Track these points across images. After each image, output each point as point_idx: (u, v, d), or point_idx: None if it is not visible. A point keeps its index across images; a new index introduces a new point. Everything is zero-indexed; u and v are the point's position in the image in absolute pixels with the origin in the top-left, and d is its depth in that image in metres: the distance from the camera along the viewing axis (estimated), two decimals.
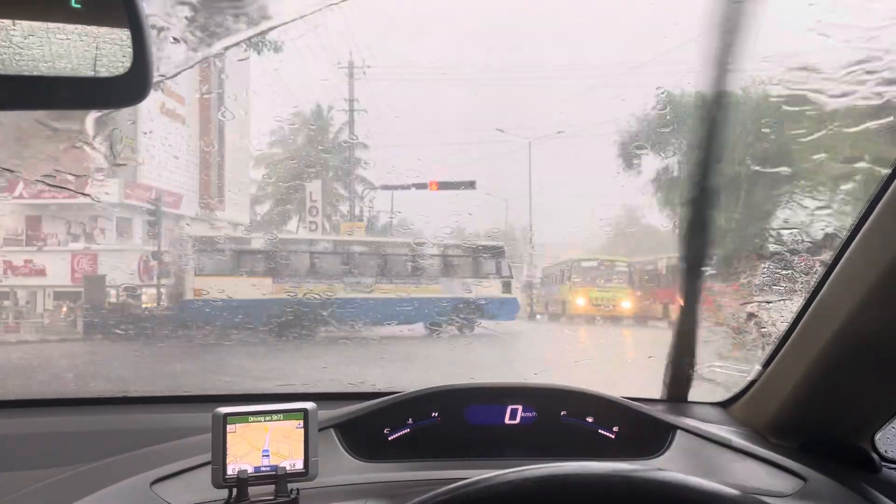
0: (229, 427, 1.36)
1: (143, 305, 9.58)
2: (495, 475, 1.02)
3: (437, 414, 1.78)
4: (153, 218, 11.62)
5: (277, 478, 1.37)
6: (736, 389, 1.94)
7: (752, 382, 1.84)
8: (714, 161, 1.96)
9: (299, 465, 1.39)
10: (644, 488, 1.03)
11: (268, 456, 1.38)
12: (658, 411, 1.81)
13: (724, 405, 1.99)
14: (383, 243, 9.52)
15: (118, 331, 7.75)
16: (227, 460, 1.35)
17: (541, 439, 1.77)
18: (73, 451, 1.66)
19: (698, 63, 1.90)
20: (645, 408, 1.81)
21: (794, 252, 2.20)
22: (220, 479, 1.34)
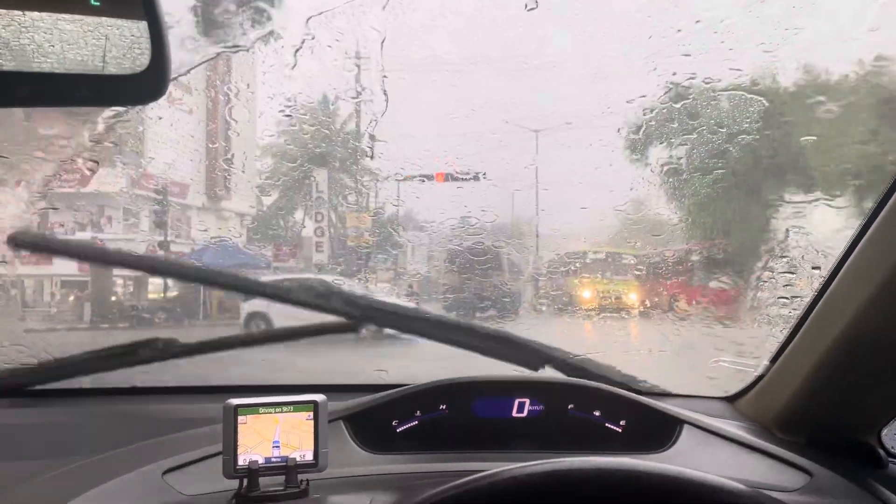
0: (240, 418, 1.38)
1: None
2: (499, 471, 1.03)
3: (444, 406, 1.79)
4: (160, 207, 11.61)
5: (288, 469, 1.39)
6: (743, 384, 1.95)
7: (760, 377, 1.84)
8: (725, 155, 1.95)
9: (309, 457, 1.41)
10: (649, 483, 1.04)
11: (278, 447, 1.40)
12: (665, 405, 1.82)
13: (730, 400, 1.99)
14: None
15: None
16: (238, 451, 1.37)
17: (548, 433, 1.77)
18: (86, 441, 1.68)
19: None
20: (652, 402, 1.81)
21: (802, 247, 2.19)
22: (231, 470, 1.36)
